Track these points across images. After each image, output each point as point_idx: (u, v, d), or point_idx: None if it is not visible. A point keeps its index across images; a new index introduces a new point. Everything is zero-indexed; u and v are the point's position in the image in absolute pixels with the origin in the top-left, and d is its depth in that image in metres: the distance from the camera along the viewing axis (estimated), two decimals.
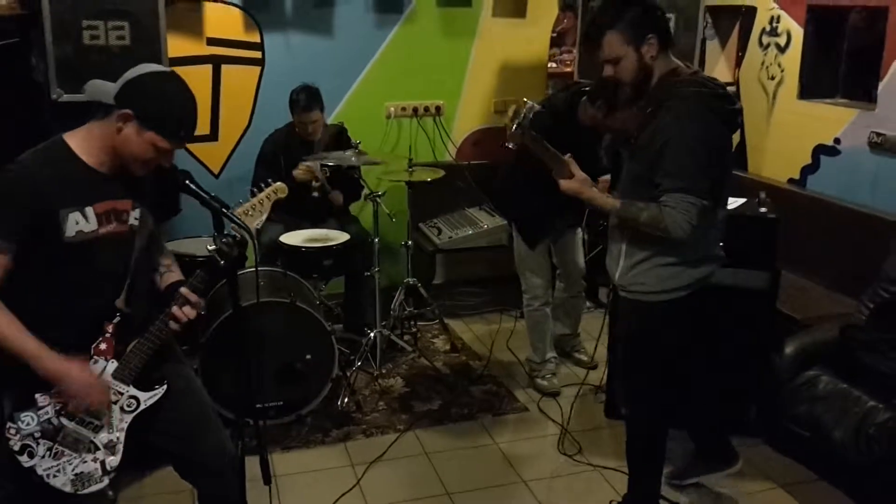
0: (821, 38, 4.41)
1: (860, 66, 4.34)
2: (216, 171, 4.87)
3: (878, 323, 3.37)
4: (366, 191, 4.26)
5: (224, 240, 2.28)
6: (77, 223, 2.15)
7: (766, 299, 3.39)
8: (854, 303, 3.62)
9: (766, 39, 4.66)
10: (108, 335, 2.26)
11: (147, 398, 2.31)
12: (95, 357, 2.25)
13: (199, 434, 2.43)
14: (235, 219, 2.26)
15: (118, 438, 2.28)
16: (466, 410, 3.86)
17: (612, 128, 3.18)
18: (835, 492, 3.20)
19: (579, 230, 4.11)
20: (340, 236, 4.08)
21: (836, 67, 4.46)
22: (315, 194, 4.19)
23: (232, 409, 3.48)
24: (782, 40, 4.55)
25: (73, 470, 2.23)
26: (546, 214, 3.83)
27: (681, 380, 2.88)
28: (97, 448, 2.26)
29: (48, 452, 2.21)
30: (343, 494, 3.21)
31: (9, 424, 2.19)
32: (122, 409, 2.29)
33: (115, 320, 2.26)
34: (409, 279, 4.49)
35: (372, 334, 4.19)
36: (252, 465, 2.51)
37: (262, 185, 2.40)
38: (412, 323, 4.57)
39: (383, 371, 4.17)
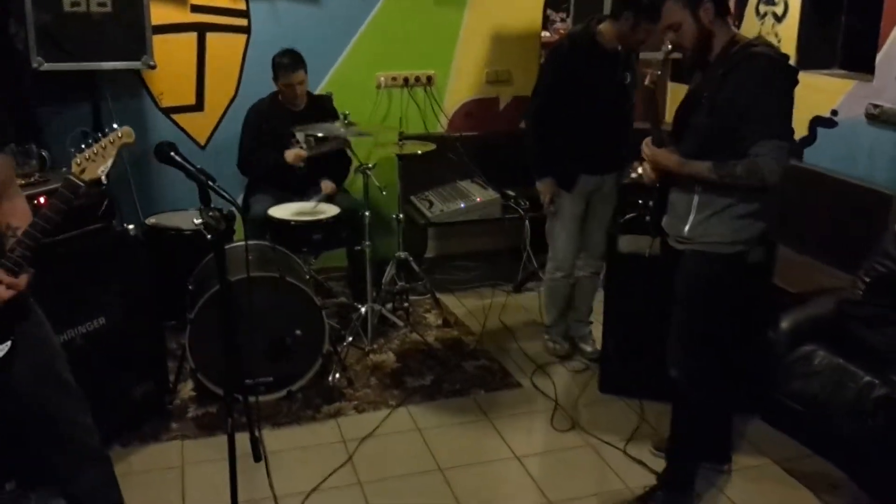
0: (818, 7, 4.35)
1: (858, 36, 4.28)
2: (202, 143, 4.78)
3: (874, 297, 3.34)
4: (356, 163, 4.19)
5: (210, 213, 2.21)
6: None
7: (762, 273, 3.35)
8: (850, 277, 3.58)
9: (762, 8, 4.59)
10: None
11: None
12: None
13: (54, 412, 2.28)
14: (223, 192, 2.19)
15: None
16: (459, 386, 3.83)
17: (639, 40, 3.54)
18: (830, 467, 3.18)
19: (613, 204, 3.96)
20: (330, 210, 4.01)
21: (834, 38, 4.40)
22: (301, 165, 4.12)
23: (221, 385, 3.46)
24: (779, 10, 4.48)
25: None
26: (577, 148, 3.75)
27: (724, 345, 2.89)
28: None
29: None
30: (335, 471, 3.17)
31: None
32: None
33: None
34: (401, 253, 4.44)
35: (363, 309, 4.14)
36: (242, 441, 2.47)
37: (107, 131, 2.23)
38: (404, 297, 4.52)
39: (375, 346, 4.13)
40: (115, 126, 2.25)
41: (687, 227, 2.76)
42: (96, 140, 2.18)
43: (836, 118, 4.15)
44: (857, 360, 3.14)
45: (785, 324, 3.39)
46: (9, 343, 2.16)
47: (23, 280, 2.13)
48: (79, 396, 2.37)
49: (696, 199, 2.73)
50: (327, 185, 4.30)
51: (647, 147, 2.78)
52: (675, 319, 2.85)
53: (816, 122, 4.27)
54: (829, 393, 3.12)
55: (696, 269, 2.78)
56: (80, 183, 2.16)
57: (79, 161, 2.18)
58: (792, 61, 4.28)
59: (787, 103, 2.61)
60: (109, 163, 2.22)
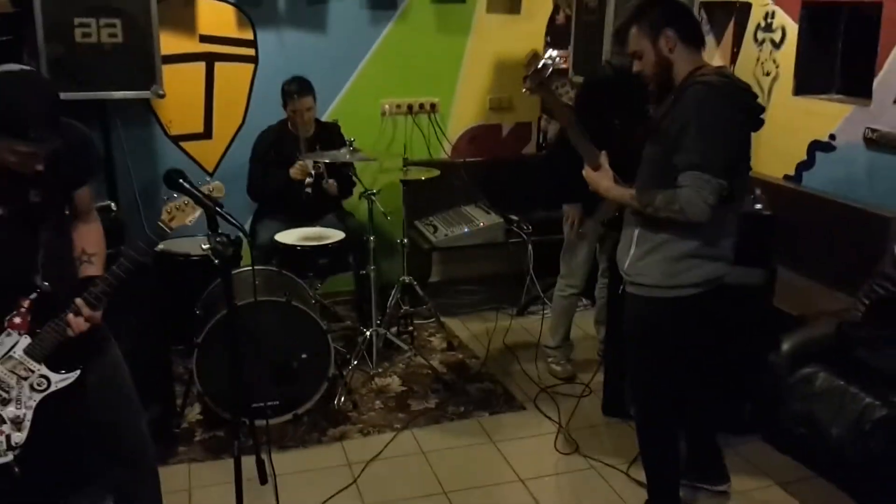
0: (816, 33, 4.41)
1: (855, 61, 4.33)
2: (210, 170, 4.85)
3: (874, 319, 3.37)
4: (360, 189, 4.25)
5: (218, 239, 2.27)
6: None
7: (763, 296, 3.38)
8: (850, 299, 3.61)
9: (760, 35, 4.65)
10: (23, 310, 2.23)
11: (58, 380, 2.28)
12: (9, 330, 2.23)
13: (117, 425, 2.42)
14: (231, 218, 2.25)
15: (25, 415, 2.25)
16: (463, 409, 3.85)
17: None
18: (832, 489, 3.19)
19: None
20: (335, 235, 4.06)
21: (832, 63, 4.45)
22: (308, 190, 4.17)
23: (228, 408, 3.49)
24: (777, 36, 4.54)
25: None
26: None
27: (684, 379, 2.87)
28: (3, 421, 2.24)
29: None
30: (339, 492, 3.19)
31: None
32: (31, 386, 2.26)
33: (32, 296, 2.23)
34: (405, 277, 4.48)
35: (368, 333, 4.18)
36: (249, 464, 2.50)
37: (201, 183, 2.34)
38: (409, 321, 4.56)
39: (380, 370, 4.16)
40: (208, 179, 2.37)
41: (627, 263, 2.72)
42: (188, 192, 2.26)
43: (834, 142, 4.20)
44: (857, 382, 3.16)
45: (786, 346, 3.41)
46: (77, 372, 2.30)
47: (99, 315, 2.26)
48: (138, 408, 2.50)
49: (636, 231, 2.68)
50: (331, 186, 4.33)
51: (585, 170, 2.76)
52: (626, 358, 2.86)
53: (815, 147, 4.31)
54: (831, 415, 3.13)
55: (632, 310, 2.75)
56: (168, 230, 2.27)
57: (169, 209, 2.29)
58: (789, 87, 4.40)
59: (723, 131, 2.47)
60: (197, 214, 2.31)
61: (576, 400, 3.88)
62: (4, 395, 2.24)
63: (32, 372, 2.25)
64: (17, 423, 2.25)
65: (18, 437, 2.25)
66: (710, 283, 2.64)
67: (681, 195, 2.45)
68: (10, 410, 2.24)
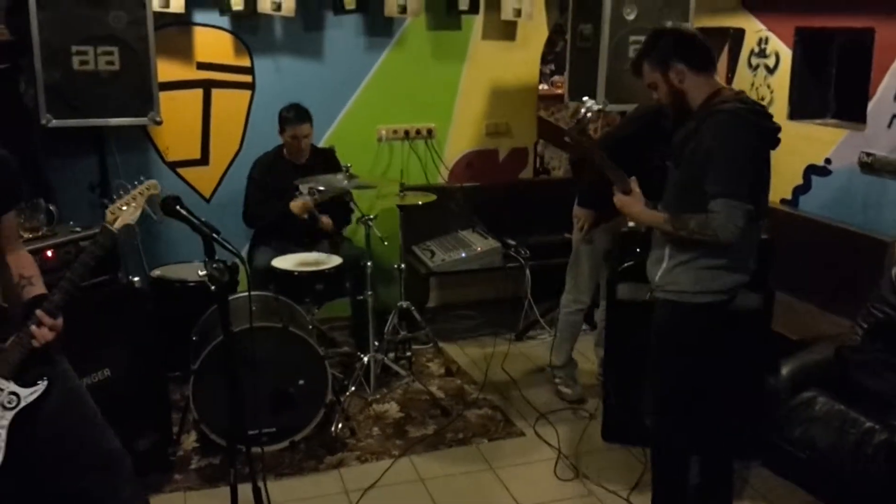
0: (809, 59, 4.45)
1: (849, 86, 4.37)
2: (207, 196, 4.85)
3: (873, 343, 3.36)
4: (357, 214, 4.25)
5: (215, 265, 2.27)
6: None
7: (761, 320, 3.38)
8: (848, 323, 3.61)
9: (754, 61, 4.70)
10: None
11: (27, 394, 2.28)
12: None
13: (83, 433, 2.42)
14: (227, 244, 2.25)
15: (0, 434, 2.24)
16: (462, 435, 3.83)
17: None
18: None
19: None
20: (332, 260, 4.06)
21: (826, 88, 4.49)
22: (305, 216, 4.18)
23: (225, 435, 3.46)
24: (771, 62, 4.58)
25: None
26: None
27: (705, 395, 2.88)
28: None
29: None
30: None
31: None
32: (2, 405, 2.25)
33: None
34: (403, 302, 4.47)
35: (366, 358, 4.16)
36: (245, 492, 2.48)
37: (137, 183, 2.43)
38: (406, 346, 4.54)
39: (378, 396, 4.14)
40: (142, 179, 2.44)
41: (658, 275, 2.80)
42: (126, 191, 2.35)
43: (829, 166, 4.22)
44: (857, 406, 3.15)
45: (785, 370, 3.41)
46: (45, 382, 2.30)
47: (60, 322, 2.28)
48: (105, 423, 2.49)
49: (667, 248, 2.77)
50: (326, 221, 4.34)
51: (616, 195, 2.83)
52: (648, 367, 2.88)
53: (811, 171, 4.34)
54: (831, 439, 3.12)
55: (663, 316, 2.82)
56: (115, 230, 2.33)
57: (112, 210, 2.36)
58: (784, 112, 4.43)
59: (747, 158, 2.59)
60: (138, 213, 2.39)
61: (575, 426, 3.86)
62: None
63: (2, 390, 2.24)
64: None
65: None
66: (732, 292, 2.75)
67: (712, 221, 2.55)
68: None
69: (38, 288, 2.41)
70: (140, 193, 2.38)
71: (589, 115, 2.83)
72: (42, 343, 2.24)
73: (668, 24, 2.83)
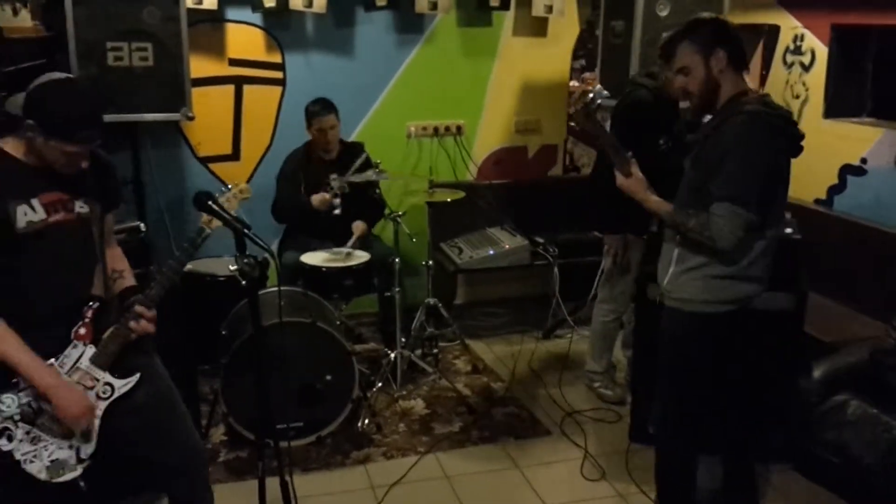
0: (846, 56, 4.37)
1: (886, 84, 4.29)
2: None
3: None
4: (386, 210, 4.26)
5: (246, 260, 2.29)
6: (25, 214, 2.21)
7: (793, 321, 3.33)
8: (883, 325, 3.55)
9: (790, 58, 4.63)
10: (87, 320, 2.32)
11: (121, 386, 2.35)
12: (75, 342, 2.31)
13: (170, 428, 2.49)
14: (258, 240, 2.27)
15: (93, 425, 2.31)
16: (488, 433, 3.82)
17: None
18: None
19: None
20: (361, 256, 4.07)
21: (862, 86, 4.41)
22: (336, 211, 4.19)
23: (253, 429, 3.49)
24: (806, 59, 4.51)
25: (48, 456, 2.26)
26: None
27: (715, 402, 2.82)
28: (73, 434, 2.28)
29: (26, 436, 2.24)
30: None
31: None
32: (97, 395, 2.32)
33: (94, 305, 2.33)
34: (430, 299, 4.47)
35: (392, 355, 4.17)
36: (272, 486, 2.49)
37: (230, 186, 2.46)
38: (433, 343, 4.55)
39: (404, 392, 4.15)
40: (229, 187, 2.47)
41: (666, 279, 2.72)
42: (222, 194, 2.40)
43: (865, 166, 4.15)
44: (891, 410, 3.10)
45: (817, 373, 3.35)
46: (138, 375, 2.39)
47: (155, 316, 2.37)
48: (189, 418, 2.60)
49: (676, 251, 2.69)
50: (358, 227, 4.36)
51: (618, 178, 2.74)
52: (658, 374, 2.83)
53: (846, 171, 4.27)
54: (863, 443, 3.07)
55: (669, 324, 2.75)
56: (209, 230, 2.39)
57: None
58: (819, 110, 4.36)
59: (762, 165, 2.49)
60: (232, 214, 2.43)
61: (603, 426, 3.83)
62: None
63: (98, 381, 2.32)
64: (85, 434, 2.30)
65: (87, 449, 2.30)
66: (743, 302, 2.65)
67: (712, 225, 2.48)
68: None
69: (129, 280, 2.52)
70: (234, 196, 2.43)
71: (598, 101, 2.73)
72: (141, 334, 2.34)
73: (707, 14, 2.70)
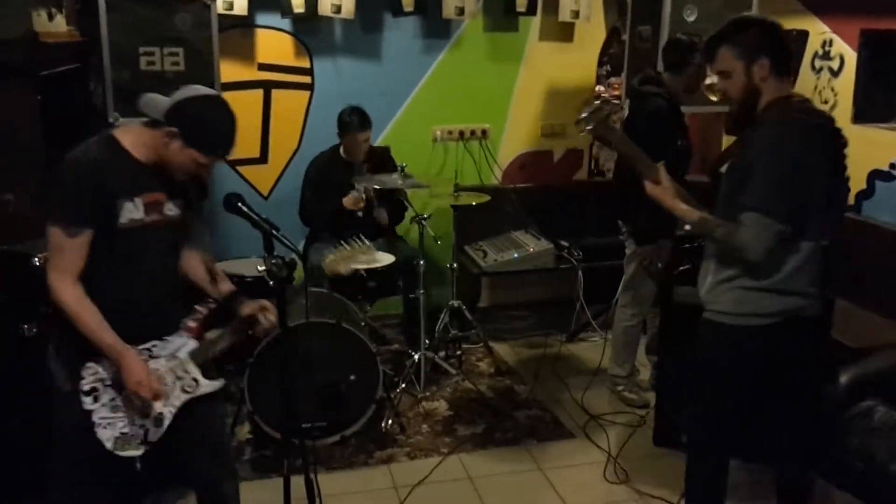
0: (875, 61, 4.32)
1: None
2: (265, 193, 4.95)
3: None
4: (411, 213, 4.29)
5: (273, 261, 2.32)
6: (129, 211, 2.28)
7: (820, 327, 3.30)
8: None
9: (818, 63, 4.60)
10: (200, 316, 2.42)
11: (206, 385, 2.42)
12: (181, 331, 2.40)
13: (212, 423, 2.55)
14: (286, 241, 2.31)
15: (169, 413, 2.36)
16: (511, 435, 3.83)
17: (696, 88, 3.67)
18: None
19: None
20: (386, 258, 4.10)
21: (892, 91, 4.36)
22: (359, 214, 4.23)
23: (277, 428, 3.53)
24: (835, 64, 4.48)
25: (121, 428, 2.32)
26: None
27: (750, 411, 2.78)
28: (149, 415, 2.34)
29: (109, 402, 2.31)
30: None
31: (89, 362, 2.28)
32: (182, 388, 2.38)
33: (212, 305, 2.44)
34: (454, 301, 4.49)
35: (416, 356, 4.20)
36: (297, 484, 2.52)
37: (357, 238, 2.60)
38: (457, 345, 4.57)
39: (427, 393, 4.17)
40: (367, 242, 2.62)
41: (704, 290, 2.67)
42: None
43: (894, 171, 4.11)
44: None
45: (844, 378, 3.32)
46: (222, 381, 2.48)
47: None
48: (224, 416, 2.71)
49: (713, 262, 2.62)
50: (382, 216, 4.39)
51: (647, 185, 2.66)
52: (691, 382, 2.79)
53: (874, 176, 4.23)
54: (889, 450, 3.03)
55: (704, 335, 2.69)
56: (329, 273, 2.57)
57: (333, 257, 2.57)
58: (848, 116, 4.32)
59: (793, 175, 2.39)
60: (352, 267, 2.58)
61: (626, 430, 3.83)
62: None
63: (188, 373, 2.39)
64: (158, 420, 2.36)
65: (156, 433, 2.36)
66: (782, 315, 2.55)
67: (740, 235, 2.41)
68: (157, 405, 2.35)
69: (227, 283, 2.58)
70: (359, 249, 2.56)
71: (610, 104, 2.68)
72: (270, 327, 2.46)
73: (754, 13, 2.57)
